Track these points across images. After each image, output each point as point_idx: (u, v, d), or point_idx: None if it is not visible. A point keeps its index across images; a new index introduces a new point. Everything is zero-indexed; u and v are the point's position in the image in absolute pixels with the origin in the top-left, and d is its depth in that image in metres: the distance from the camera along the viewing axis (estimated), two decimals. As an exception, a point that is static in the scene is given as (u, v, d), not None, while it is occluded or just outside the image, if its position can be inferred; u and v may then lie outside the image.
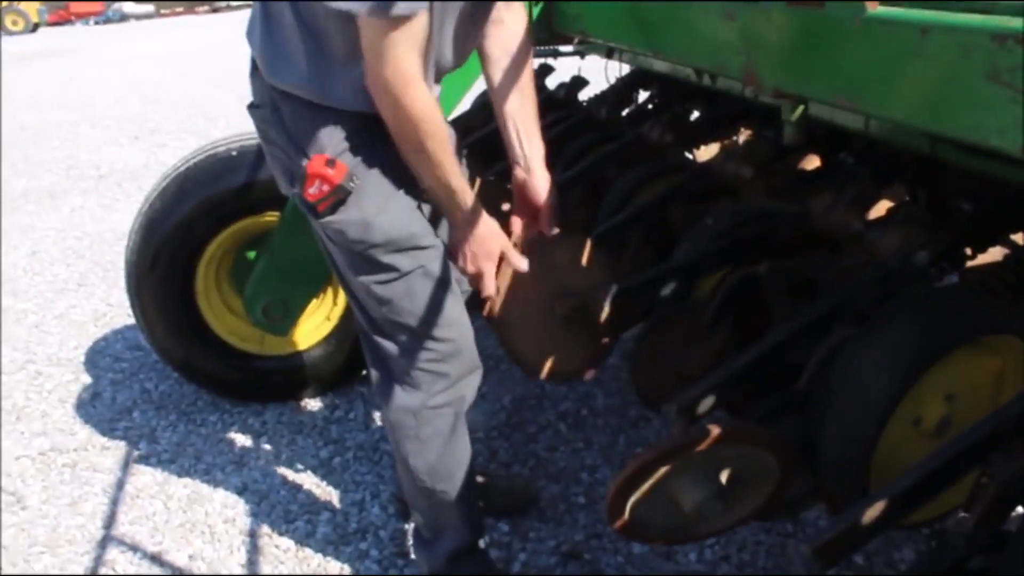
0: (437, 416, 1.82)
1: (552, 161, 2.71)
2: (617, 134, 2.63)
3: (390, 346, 1.79)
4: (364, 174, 1.65)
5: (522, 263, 1.80)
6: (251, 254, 2.75)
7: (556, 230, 1.93)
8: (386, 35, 1.45)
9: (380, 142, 1.64)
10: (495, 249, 1.77)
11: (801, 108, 1.57)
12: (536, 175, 1.88)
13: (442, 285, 1.77)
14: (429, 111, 1.55)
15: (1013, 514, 1.39)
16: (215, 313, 2.81)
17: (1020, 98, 1.11)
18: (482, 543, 2.04)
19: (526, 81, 1.84)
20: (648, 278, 1.90)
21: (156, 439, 2.80)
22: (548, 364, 2.01)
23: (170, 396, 3.04)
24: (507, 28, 1.79)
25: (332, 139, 1.64)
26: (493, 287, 1.80)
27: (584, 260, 2.00)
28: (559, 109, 2.97)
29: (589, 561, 2.15)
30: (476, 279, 1.80)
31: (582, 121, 2.74)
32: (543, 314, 1.96)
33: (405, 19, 1.44)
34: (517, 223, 1.94)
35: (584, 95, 3.10)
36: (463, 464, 1.89)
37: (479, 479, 2.28)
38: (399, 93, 1.50)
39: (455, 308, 1.79)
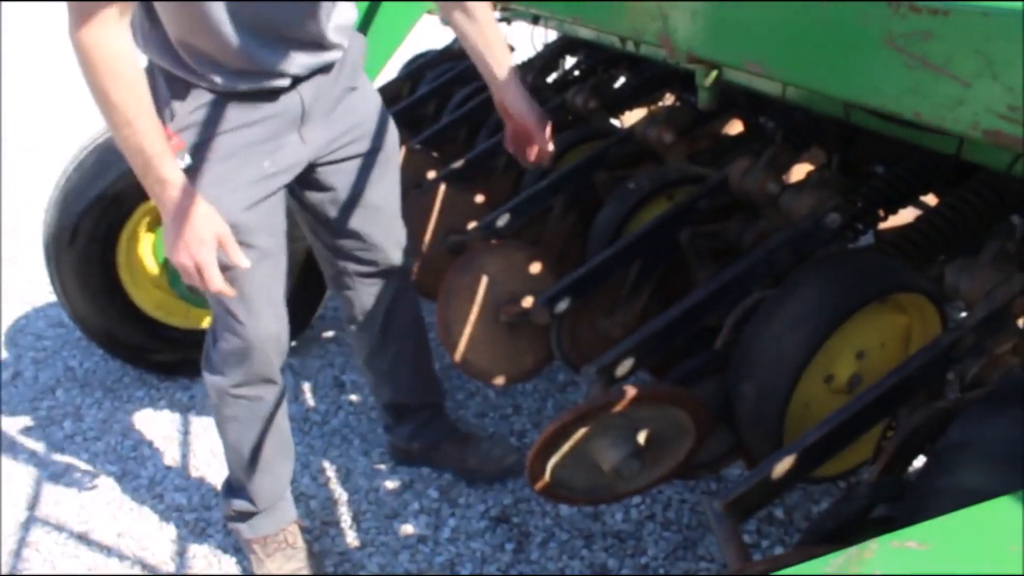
0: (235, 403, 1.91)
1: (477, 127, 2.73)
2: (543, 101, 2.63)
3: (215, 320, 1.85)
4: (203, 155, 1.62)
5: (241, 259, 1.61)
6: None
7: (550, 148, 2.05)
8: None
9: (231, 124, 1.65)
10: (208, 235, 1.55)
11: (715, 73, 1.59)
12: (512, 93, 1.98)
13: (258, 289, 1.76)
14: (110, 54, 1.40)
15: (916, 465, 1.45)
16: (138, 287, 2.75)
17: (915, 63, 1.14)
18: (284, 513, 2.10)
19: (482, 13, 1.92)
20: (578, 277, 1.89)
21: (81, 417, 2.75)
22: (503, 371, 2.03)
23: (95, 373, 2.98)
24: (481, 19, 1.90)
25: (178, 112, 1.64)
26: (218, 279, 1.58)
27: (523, 265, 2.02)
28: (485, 76, 2.96)
29: (518, 524, 2.18)
30: (192, 271, 1.57)
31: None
32: (489, 323, 1.98)
33: None
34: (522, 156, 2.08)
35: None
36: (259, 452, 1.98)
37: (463, 434, 2.39)
38: (76, 28, 1.39)
39: (261, 316, 1.78)
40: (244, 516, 2.08)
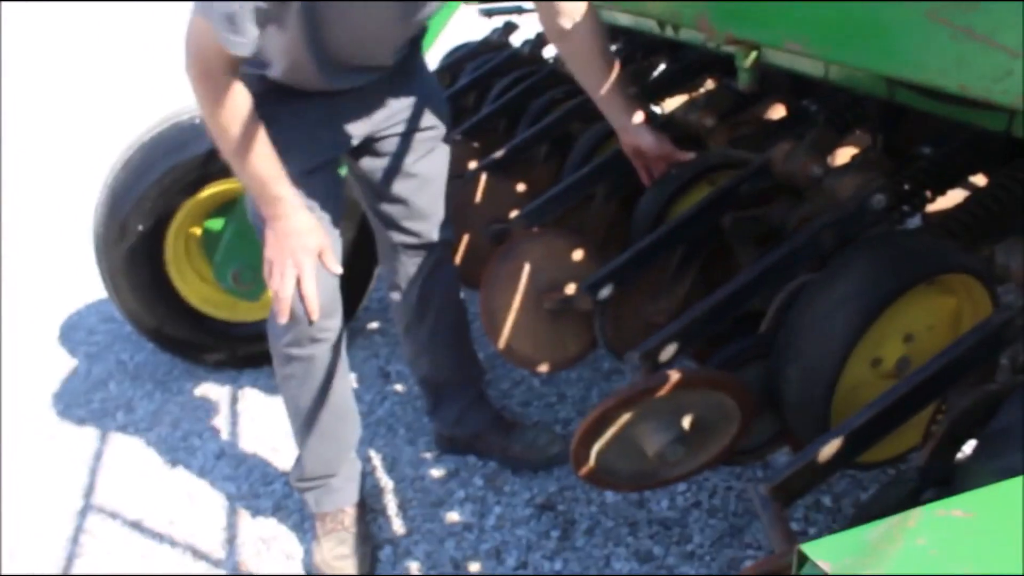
0: (288, 362, 1.98)
1: (516, 117, 2.73)
2: (581, 89, 2.62)
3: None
4: (267, 120, 1.72)
5: (337, 267, 1.87)
6: (219, 221, 2.74)
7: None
8: (205, 38, 1.53)
9: (297, 102, 1.81)
10: (313, 245, 1.79)
11: (754, 54, 1.57)
12: (643, 135, 1.97)
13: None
14: (229, 98, 1.60)
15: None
16: (186, 282, 2.80)
17: (960, 35, 1.12)
18: (347, 494, 2.15)
19: (604, 55, 1.95)
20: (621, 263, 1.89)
21: (133, 409, 2.81)
22: (546, 358, 2.04)
23: (145, 366, 3.05)
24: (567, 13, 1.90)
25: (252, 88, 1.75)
26: (312, 286, 1.80)
27: (565, 253, 2.02)
28: (524, 66, 2.96)
29: (563, 512, 2.18)
30: (288, 275, 1.78)
31: (547, 77, 2.73)
32: (533, 311, 1.99)
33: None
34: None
35: (549, 52, 3.08)
36: (316, 414, 2.03)
37: (507, 422, 2.42)
38: (199, 78, 1.59)
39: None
40: (309, 486, 2.13)
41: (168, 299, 2.77)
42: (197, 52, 1.58)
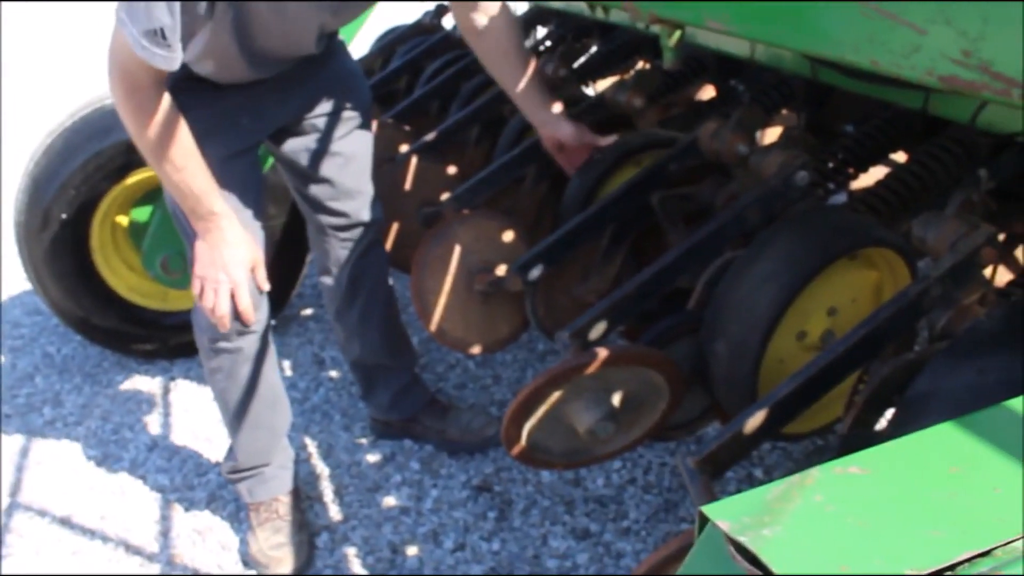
0: (216, 355, 1.95)
1: (448, 99, 2.72)
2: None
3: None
4: (187, 109, 1.69)
5: (265, 284, 1.84)
6: (146, 209, 2.68)
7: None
8: (129, 53, 1.48)
9: (216, 91, 1.79)
10: (247, 258, 1.77)
11: (678, 33, 1.59)
12: (561, 127, 1.98)
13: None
14: (158, 115, 1.57)
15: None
16: (114, 271, 2.74)
17: (870, 12, 1.14)
18: (280, 483, 2.13)
19: (519, 50, 1.96)
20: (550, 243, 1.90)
21: (60, 403, 2.74)
22: (479, 340, 2.04)
23: (73, 359, 2.97)
24: (482, 10, 1.90)
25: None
26: (247, 297, 1.78)
27: (495, 235, 2.02)
28: (456, 48, 2.94)
29: (500, 493, 2.19)
30: (222, 288, 1.75)
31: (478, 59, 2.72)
32: (464, 293, 1.99)
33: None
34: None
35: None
36: (246, 405, 2.02)
37: (442, 404, 2.42)
38: (124, 96, 1.56)
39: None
40: (241, 477, 2.11)
41: (95, 289, 2.70)
42: (122, 68, 1.52)
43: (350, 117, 2.05)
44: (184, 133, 1.63)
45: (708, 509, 0.53)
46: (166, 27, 1.41)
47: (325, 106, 2.00)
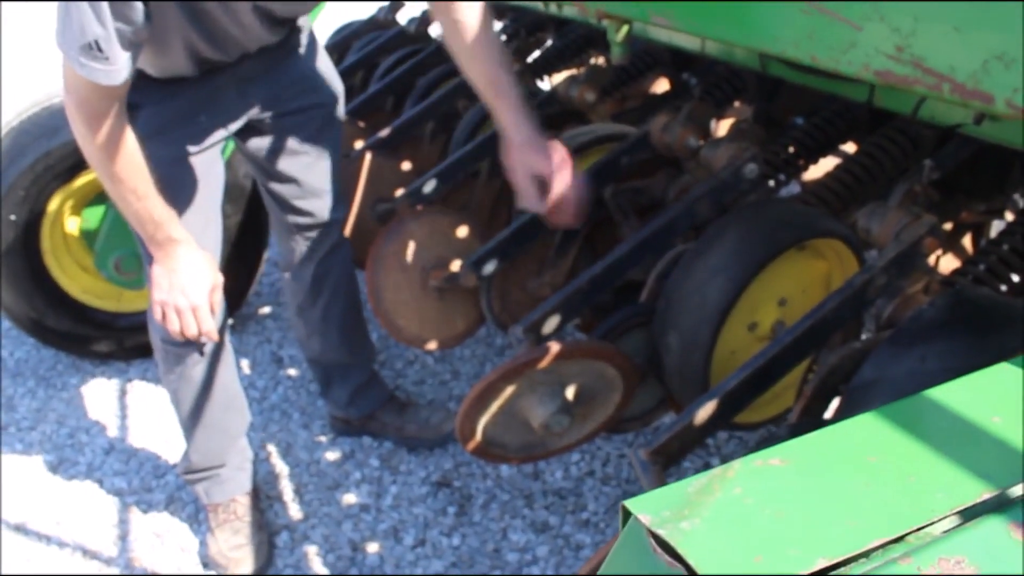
0: (168, 355, 1.94)
1: (403, 95, 2.71)
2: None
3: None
4: (140, 106, 1.69)
5: (220, 307, 1.82)
6: (98, 209, 2.64)
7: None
8: (75, 78, 1.45)
9: (170, 86, 1.73)
10: (207, 282, 1.74)
11: (625, 28, 1.60)
12: (534, 145, 1.69)
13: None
14: (116, 144, 1.54)
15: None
16: (66, 272, 2.70)
17: (810, 9, 1.16)
18: (237, 484, 2.12)
19: (498, 53, 1.74)
20: (503, 238, 1.87)
21: (14, 407, 2.70)
22: (434, 336, 2.04)
23: (27, 362, 2.92)
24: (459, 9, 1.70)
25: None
26: (209, 320, 1.76)
27: (449, 230, 2.03)
28: (411, 43, 2.94)
29: (459, 488, 2.20)
30: (185, 311, 1.73)
31: (433, 54, 2.72)
32: (419, 289, 1.99)
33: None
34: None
35: (435, 29, 3.07)
36: (201, 406, 2.00)
37: (400, 402, 2.40)
38: (83, 125, 1.51)
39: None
40: (198, 478, 2.10)
41: (48, 291, 2.66)
42: (77, 98, 1.48)
43: (318, 115, 2.00)
44: (140, 161, 1.59)
45: (630, 503, 0.54)
46: (100, 38, 1.37)
47: (291, 103, 1.95)
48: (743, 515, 0.53)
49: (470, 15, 1.69)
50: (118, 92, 1.48)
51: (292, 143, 1.99)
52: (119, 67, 1.43)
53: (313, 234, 2.13)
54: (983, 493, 0.55)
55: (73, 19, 1.37)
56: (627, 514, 0.54)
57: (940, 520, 0.53)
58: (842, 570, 0.50)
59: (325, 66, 2.05)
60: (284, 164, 2.02)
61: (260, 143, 1.99)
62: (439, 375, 2.65)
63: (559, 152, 1.68)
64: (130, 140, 1.56)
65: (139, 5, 1.40)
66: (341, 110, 2.08)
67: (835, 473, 0.57)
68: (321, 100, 2.01)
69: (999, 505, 0.54)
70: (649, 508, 0.53)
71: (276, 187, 2.07)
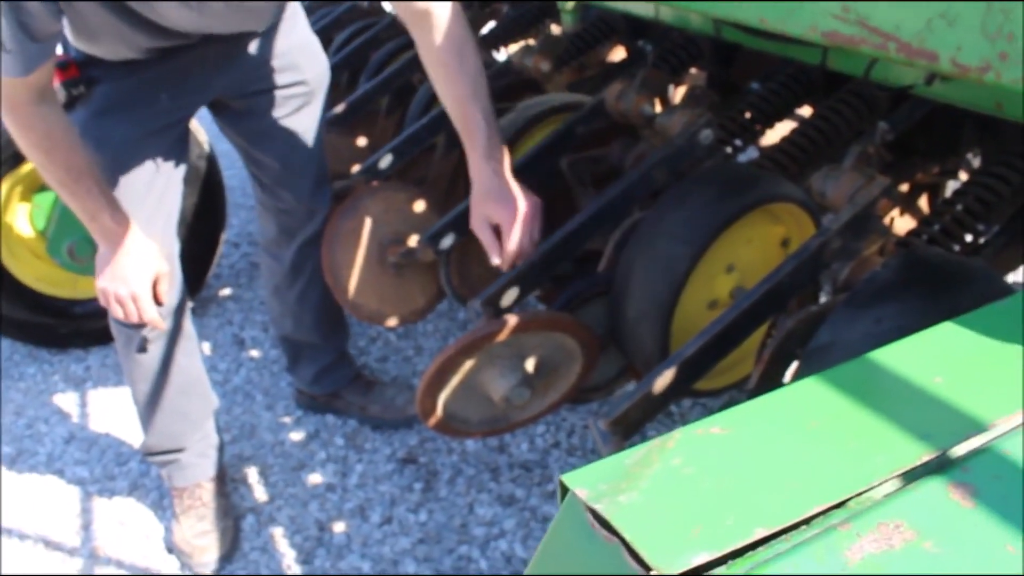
0: (124, 335, 1.90)
1: (357, 70, 2.67)
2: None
3: None
4: (98, 85, 1.68)
5: (165, 297, 1.78)
6: (49, 195, 2.58)
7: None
8: None
9: (116, 68, 1.69)
10: (149, 270, 1.71)
11: (575, -5, 1.58)
12: (492, 195, 1.61)
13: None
14: (45, 131, 1.50)
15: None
16: (19, 260, 2.64)
17: (756, -31, 1.15)
18: (201, 469, 2.09)
19: (469, 84, 1.61)
20: (460, 212, 1.84)
21: (-30, 399, 2.66)
22: (394, 312, 2.02)
23: (-18, 353, 2.87)
24: (431, 25, 1.57)
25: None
26: (152, 309, 1.73)
27: (406, 205, 2.00)
28: (363, 17, 2.89)
29: (425, 464, 2.19)
30: (127, 300, 1.70)
31: (387, 28, 2.68)
32: (376, 266, 1.96)
33: None
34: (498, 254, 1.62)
35: (388, 3, 3.02)
36: (160, 389, 1.97)
37: (366, 380, 2.38)
38: (8, 111, 1.47)
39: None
40: (157, 460, 2.07)
41: (0, 280, 2.60)
42: None
43: (297, 94, 1.94)
44: (76, 150, 1.55)
45: (567, 477, 0.53)
46: (2, 33, 1.33)
47: (265, 81, 1.89)
48: (682, 486, 0.52)
49: (443, 33, 1.56)
50: (34, 81, 1.43)
51: (268, 123, 1.94)
52: (26, 58, 1.38)
53: (293, 217, 2.09)
54: (924, 455, 0.54)
55: None
56: (565, 489, 0.53)
57: (881, 484, 0.53)
58: (782, 538, 0.49)
59: (307, 43, 1.98)
60: (261, 144, 1.98)
61: (239, 124, 1.95)
62: (402, 351, 2.63)
63: (521, 201, 1.61)
64: (59, 127, 1.52)
65: (40, 3, 1.35)
66: (325, 90, 2.02)
67: (776, 440, 0.56)
68: (299, 78, 1.94)
69: (940, 466, 0.54)
70: (587, 482, 0.52)
71: (257, 169, 2.03)
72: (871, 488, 0.52)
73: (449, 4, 1.56)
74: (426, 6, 1.55)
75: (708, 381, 1.77)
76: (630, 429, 1.40)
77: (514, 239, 1.59)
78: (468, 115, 1.61)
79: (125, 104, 1.71)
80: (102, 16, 1.50)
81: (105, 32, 1.56)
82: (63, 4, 1.41)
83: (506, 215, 1.60)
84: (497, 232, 1.62)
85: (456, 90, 1.61)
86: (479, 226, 1.64)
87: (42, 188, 2.59)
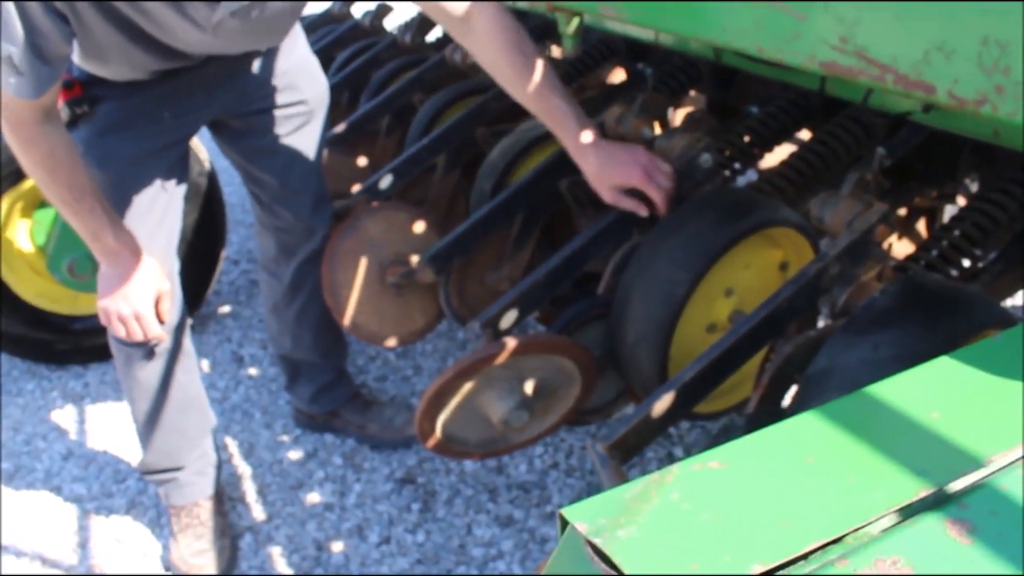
0: (127, 355, 1.90)
1: (358, 90, 2.68)
2: (422, 59, 2.60)
3: None
4: (102, 102, 1.69)
5: (167, 315, 1.80)
6: (50, 211, 2.59)
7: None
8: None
9: (120, 87, 1.69)
10: (152, 288, 1.72)
11: (576, 21, 1.59)
12: (607, 167, 1.63)
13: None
14: (47, 150, 1.51)
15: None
16: (19, 276, 2.65)
17: (757, 1, 1.16)
18: (198, 488, 2.09)
19: (534, 64, 1.57)
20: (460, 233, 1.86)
21: (-32, 414, 2.65)
22: (393, 332, 2.03)
23: (-20, 368, 2.87)
24: (480, 28, 1.55)
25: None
26: (156, 326, 1.75)
27: (406, 226, 2.01)
28: (365, 37, 2.91)
29: (423, 484, 2.19)
30: (130, 319, 1.71)
31: (388, 47, 2.70)
32: (376, 286, 1.97)
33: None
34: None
35: (390, 22, 3.04)
36: (159, 407, 1.97)
37: (365, 400, 2.38)
38: (11, 130, 1.48)
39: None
40: (155, 479, 2.07)
41: (0, 296, 2.61)
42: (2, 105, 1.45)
43: (297, 114, 1.96)
44: (78, 169, 1.57)
45: (567, 511, 0.53)
46: (13, 55, 1.35)
47: (266, 101, 1.91)
48: (680, 521, 0.53)
49: (497, 31, 1.54)
50: (41, 103, 1.45)
51: (268, 142, 1.96)
52: (37, 81, 1.39)
53: (292, 235, 2.10)
54: (921, 490, 0.55)
55: None
56: (565, 522, 0.53)
57: (878, 519, 0.53)
58: (779, 573, 0.50)
59: (306, 63, 2.00)
60: (261, 163, 1.99)
61: (235, 141, 1.97)
62: (401, 371, 2.64)
63: (628, 154, 1.62)
64: (62, 146, 1.53)
65: (55, 27, 1.37)
66: (324, 110, 2.04)
67: (774, 475, 0.57)
68: (300, 98, 1.96)
69: (936, 502, 0.54)
70: (586, 516, 0.52)
71: (256, 188, 2.05)
72: (868, 524, 0.53)
73: (490, 3, 1.54)
74: (465, 6, 1.52)
75: (707, 404, 1.77)
76: (629, 452, 1.40)
77: (656, 188, 1.62)
78: (552, 106, 1.60)
79: (128, 123, 1.72)
80: (114, 38, 1.51)
81: (114, 54, 1.57)
82: (76, 26, 1.43)
83: (632, 174, 1.61)
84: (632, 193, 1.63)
85: (532, 85, 1.58)
86: (615, 199, 1.65)
87: (43, 204, 2.60)
